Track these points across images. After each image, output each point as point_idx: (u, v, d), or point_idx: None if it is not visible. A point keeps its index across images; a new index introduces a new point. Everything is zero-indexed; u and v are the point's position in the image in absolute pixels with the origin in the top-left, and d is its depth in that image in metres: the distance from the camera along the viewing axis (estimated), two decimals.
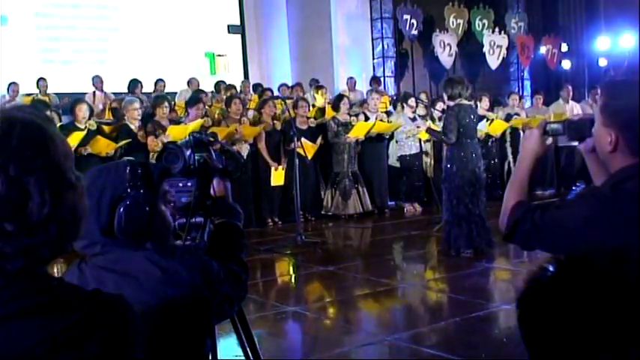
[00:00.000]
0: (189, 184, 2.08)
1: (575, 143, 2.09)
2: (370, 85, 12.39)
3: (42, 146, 0.99)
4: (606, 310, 0.76)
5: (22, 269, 0.98)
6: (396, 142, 9.81)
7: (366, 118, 9.69)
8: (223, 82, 12.25)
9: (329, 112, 9.73)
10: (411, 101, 9.81)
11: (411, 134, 9.51)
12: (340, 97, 10.01)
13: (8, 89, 10.57)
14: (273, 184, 8.68)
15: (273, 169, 8.67)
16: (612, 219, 1.74)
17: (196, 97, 9.00)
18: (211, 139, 2.24)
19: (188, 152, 2.10)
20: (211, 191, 2.11)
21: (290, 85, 12.53)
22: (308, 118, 9.36)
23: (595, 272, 0.80)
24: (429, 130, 7.98)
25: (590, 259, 0.82)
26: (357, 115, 9.80)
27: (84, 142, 7.65)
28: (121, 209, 1.66)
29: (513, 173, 2.11)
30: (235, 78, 13.42)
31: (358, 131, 9.23)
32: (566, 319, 0.78)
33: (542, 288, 0.83)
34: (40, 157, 0.98)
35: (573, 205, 1.91)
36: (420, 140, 9.52)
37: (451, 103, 6.77)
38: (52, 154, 0.99)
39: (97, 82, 11.21)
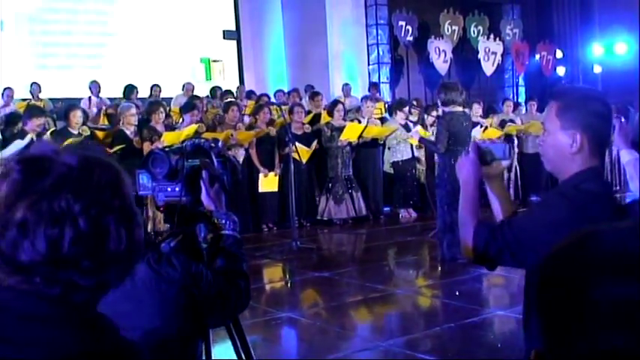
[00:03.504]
0: (177, 188, 2.07)
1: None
2: (368, 90, 12.40)
3: (117, 187, 1.06)
4: (624, 279, 0.73)
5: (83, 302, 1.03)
6: (388, 148, 9.82)
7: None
8: (219, 87, 12.25)
9: (324, 118, 9.74)
10: (404, 107, 9.82)
11: (401, 139, 9.52)
12: (335, 103, 10.02)
13: (3, 94, 10.54)
14: (260, 189, 8.65)
15: (262, 175, 8.65)
16: (578, 218, 1.74)
17: (191, 104, 9.00)
18: (212, 144, 2.23)
19: (176, 157, 2.08)
20: (203, 197, 2.09)
21: (286, 91, 12.54)
22: (303, 124, 9.36)
23: (615, 242, 0.76)
24: (421, 140, 8.00)
25: (615, 229, 0.79)
26: (352, 121, 9.80)
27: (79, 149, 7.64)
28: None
29: (460, 199, 2.04)
30: (231, 83, 13.43)
31: (350, 133, 9.20)
32: (584, 285, 0.75)
33: (563, 252, 0.80)
34: (116, 198, 1.05)
35: (538, 212, 1.94)
36: (411, 146, 9.53)
37: (445, 109, 6.78)
38: (125, 194, 1.07)
39: (94, 87, 11.18)
